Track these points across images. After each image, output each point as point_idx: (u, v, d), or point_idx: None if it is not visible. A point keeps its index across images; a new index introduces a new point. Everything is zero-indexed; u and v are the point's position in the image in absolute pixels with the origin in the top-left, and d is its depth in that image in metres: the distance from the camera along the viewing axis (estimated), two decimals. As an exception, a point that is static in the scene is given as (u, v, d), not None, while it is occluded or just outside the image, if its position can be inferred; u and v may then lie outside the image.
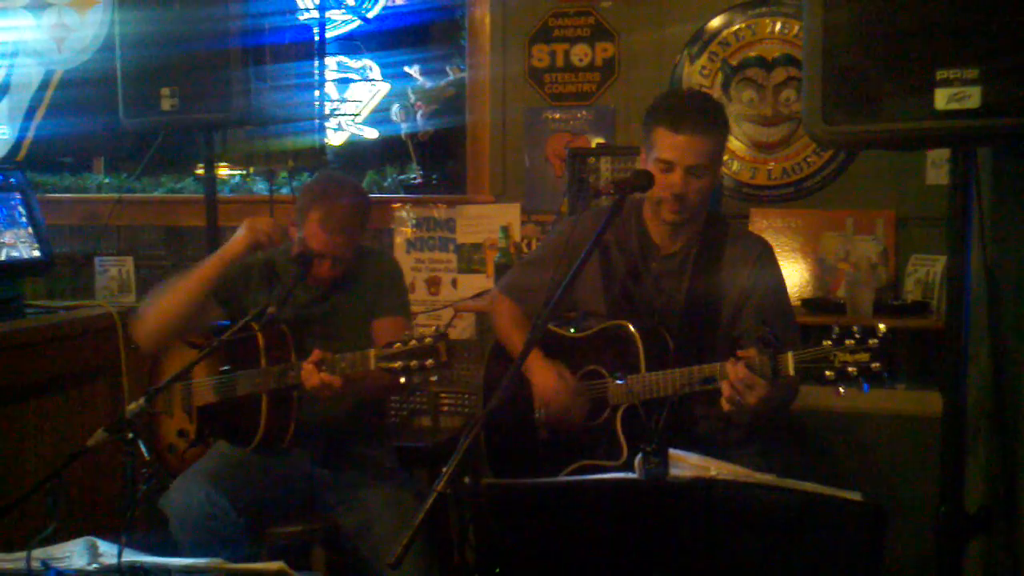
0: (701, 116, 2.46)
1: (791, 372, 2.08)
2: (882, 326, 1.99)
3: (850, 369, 1.99)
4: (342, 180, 3.00)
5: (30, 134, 4.75)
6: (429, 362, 2.29)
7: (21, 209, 3.74)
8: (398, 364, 2.32)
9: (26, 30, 4.65)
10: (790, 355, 2.08)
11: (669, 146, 2.44)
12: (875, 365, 1.97)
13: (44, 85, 4.70)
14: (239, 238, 2.76)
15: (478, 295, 3.95)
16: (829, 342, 2.02)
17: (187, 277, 2.77)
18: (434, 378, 2.36)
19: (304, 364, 2.53)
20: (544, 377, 2.59)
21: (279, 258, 2.87)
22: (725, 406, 2.20)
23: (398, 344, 2.33)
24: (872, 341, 1.98)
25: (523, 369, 2.54)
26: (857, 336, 1.99)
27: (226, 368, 2.77)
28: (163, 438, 2.97)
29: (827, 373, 2.01)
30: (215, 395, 2.81)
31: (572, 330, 2.70)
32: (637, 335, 2.48)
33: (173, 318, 2.77)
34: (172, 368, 2.86)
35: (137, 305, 3.92)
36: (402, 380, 2.33)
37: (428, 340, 2.30)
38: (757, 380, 2.12)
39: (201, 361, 2.61)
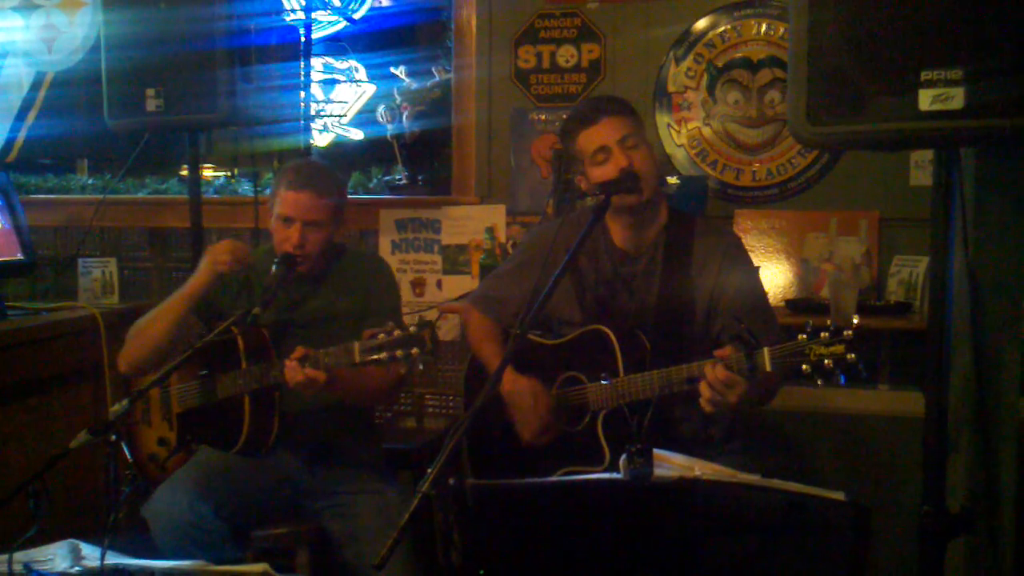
0: (611, 103, 2.57)
1: (767, 368, 2.09)
2: (856, 319, 2.02)
3: (826, 362, 2.00)
4: (305, 157, 3.01)
5: (21, 135, 4.72)
6: (415, 351, 2.26)
7: (3, 210, 3.71)
8: (383, 355, 2.29)
9: (15, 31, 4.62)
10: (766, 351, 2.09)
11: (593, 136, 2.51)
12: (850, 356, 1.98)
13: (36, 86, 4.68)
14: (202, 272, 2.75)
15: (463, 296, 3.94)
16: (804, 336, 2.03)
17: (161, 312, 2.77)
18: (420, 366, 2.33)
19: (287, 361, 2.50)
20: (518, 398, 2.56)
21: (255, 266, 2.83)
22: (706, 408, 2.20)
23: (382, 335, 2.30)
24: (847, 333, 1.99)
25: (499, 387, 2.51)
26: (831, 329, 2.01)
27: (204, 372, 2.74)
28: (143, 449, 2.95)
29: (804, 367, 2.02)
30: (195, 400, 2.79)
31: (549, 337, 2.67)
32: (614, 339, 2.47)
33: (152, 349, 2.77)
34: (150, 377, 2.83)
35: (121, 307, 3.94)
36: (383, 355, 2.29)
37: (412, 329, 2.28)
38: (736, 379, 2.13)
39: (180, 367, 2.57)
